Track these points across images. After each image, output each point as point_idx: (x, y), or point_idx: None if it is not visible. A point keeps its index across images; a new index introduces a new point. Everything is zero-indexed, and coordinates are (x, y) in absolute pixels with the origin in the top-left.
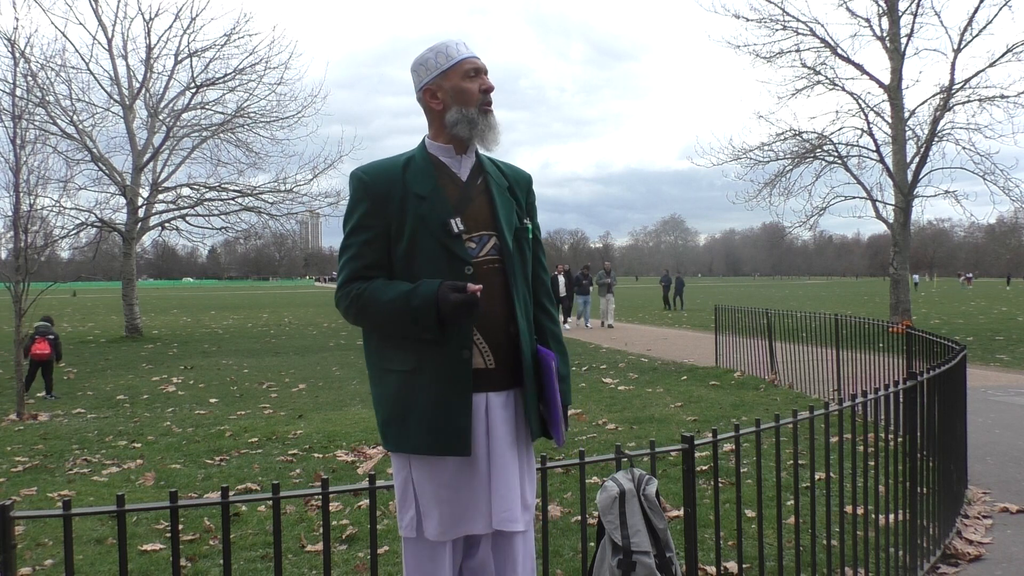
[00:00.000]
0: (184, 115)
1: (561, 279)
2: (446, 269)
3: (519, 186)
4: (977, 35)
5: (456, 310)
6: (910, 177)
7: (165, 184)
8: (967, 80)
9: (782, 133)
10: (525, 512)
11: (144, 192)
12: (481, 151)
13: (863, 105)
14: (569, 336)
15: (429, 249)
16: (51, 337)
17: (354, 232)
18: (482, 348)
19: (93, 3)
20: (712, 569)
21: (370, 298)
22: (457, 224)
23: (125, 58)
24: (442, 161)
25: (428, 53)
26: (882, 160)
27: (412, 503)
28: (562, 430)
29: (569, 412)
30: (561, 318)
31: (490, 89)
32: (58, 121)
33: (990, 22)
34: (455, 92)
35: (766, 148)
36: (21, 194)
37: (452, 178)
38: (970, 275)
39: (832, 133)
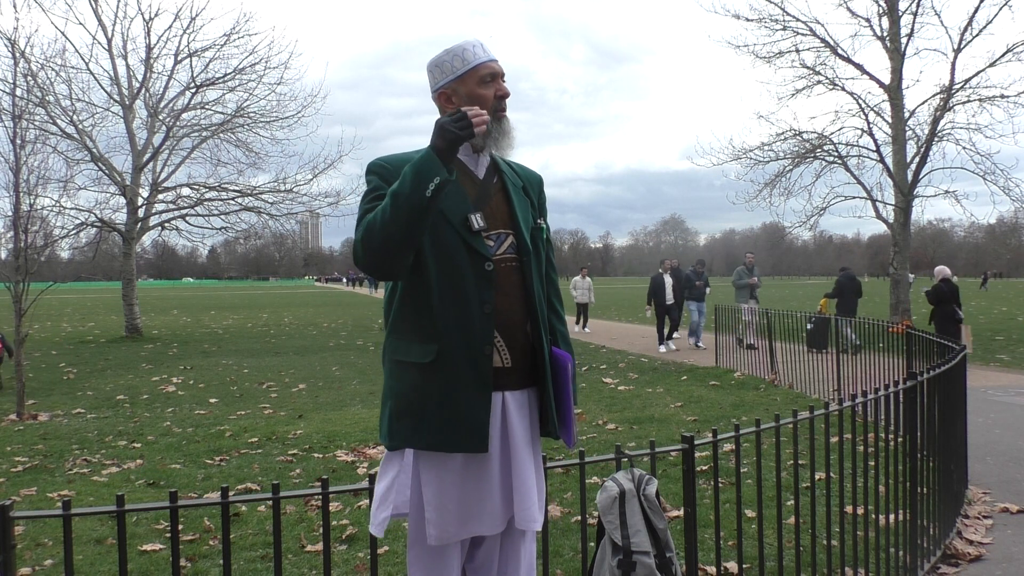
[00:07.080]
0: (184, 115)
1: (667, 279)
2: (467, 264)
3: (531, 186)
4: (977, 35)
5: (452, 123)
6: (910, 177)
7: (165, 184)
8: (967, 80)
9: (782, 133)
10: (541, 511)
11: (144, 192)
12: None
13: (863, 105)
14: (575, 338)
15: (449, 244)
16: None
17: (371, 199)
18: (499, 346)
19: (93, 3)
20: (712, 569)
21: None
22: (477, 220)
23: (125, 58)
24: (459, 159)
25: (445, 55)
26: (882, 160)
27: (390, 504)
28: (574, 431)
29: (575, 412)
30: (665, 331)
31: (505, 95)
32: (58, 121)
33: (990, 22)
34: (470, 98)
35: (766, 148)
36: (21, 194)
37: (470, 175)
38: (998, 272)
39: (832, 133)
